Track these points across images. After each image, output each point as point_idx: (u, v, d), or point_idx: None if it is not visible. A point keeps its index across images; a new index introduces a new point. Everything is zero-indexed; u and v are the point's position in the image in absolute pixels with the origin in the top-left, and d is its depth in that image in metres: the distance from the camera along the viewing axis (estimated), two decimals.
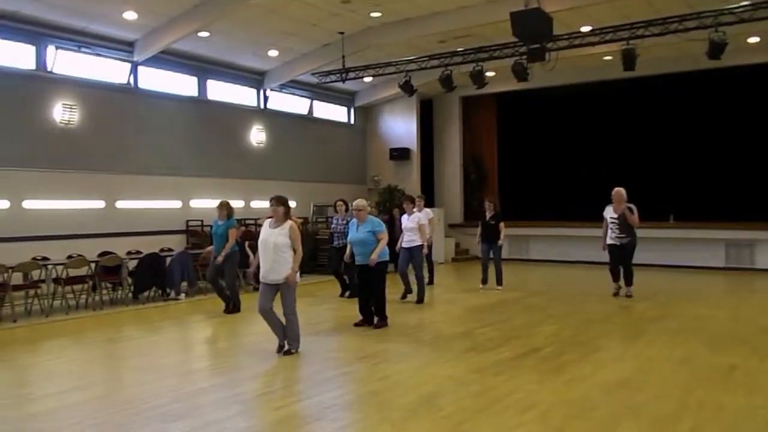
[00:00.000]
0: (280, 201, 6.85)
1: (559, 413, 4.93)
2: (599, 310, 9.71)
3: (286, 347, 6.91)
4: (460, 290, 12.21)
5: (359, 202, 8.51)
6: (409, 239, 10.67)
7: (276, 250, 6.71)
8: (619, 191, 10.61)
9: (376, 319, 8.43)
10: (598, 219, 16.02)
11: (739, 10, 10.58)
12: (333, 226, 11.37)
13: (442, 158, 19.63)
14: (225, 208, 9.98)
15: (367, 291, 8.47)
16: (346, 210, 11.06)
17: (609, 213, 10.69)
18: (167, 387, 5.81)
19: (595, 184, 17.09)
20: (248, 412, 5.14)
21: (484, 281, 11.95)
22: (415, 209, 11.09)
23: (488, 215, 11.84)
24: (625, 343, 7.45)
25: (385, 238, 8.38)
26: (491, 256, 11.83)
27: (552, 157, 17.94)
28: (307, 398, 5.54)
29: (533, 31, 10.61)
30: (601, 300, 10.66)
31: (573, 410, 5.00)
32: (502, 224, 11.74)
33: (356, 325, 8.46)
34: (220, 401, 5.42)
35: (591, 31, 12.01)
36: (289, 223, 6.82)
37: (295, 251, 6.79)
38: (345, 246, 11.01)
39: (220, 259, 9.64)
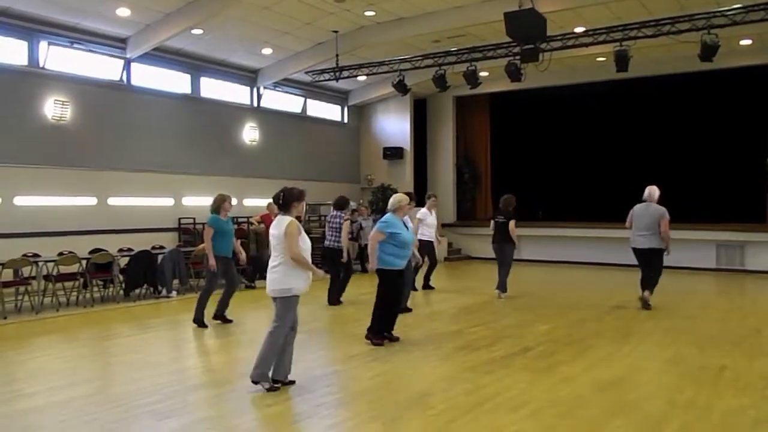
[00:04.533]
0: (274, 200, 5.70)
1: (550, 412, 4.95)
2: (591, 310, 9.74)
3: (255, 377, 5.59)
4: (452, 290, 12.22)
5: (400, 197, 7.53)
6: (429, 235, 11.10)
7: (272, 254, 5.66)
8: (652, 189, 9.59)
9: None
10: (590, 219, 16.38)
11: (731, 12, 10.66)
12: (355, 224, 11.44)
13: (435, 158, 19.66)
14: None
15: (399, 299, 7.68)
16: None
17: None
18: (158, 384, 5.80)
19: (588, 184, 17.23)
20: (239, 410, 5.13)
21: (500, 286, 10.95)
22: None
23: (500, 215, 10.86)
24: (616, 342, 7.47)
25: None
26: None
27: (545, 158, 17.99)
28: (298, 396, 5.53)
29: (527, 32, 10.63)
30: (594, 300, 10.71)
31: (563, 409, 5.02)
32: (511, 223, 10.44)
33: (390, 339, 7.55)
34: (212, 398, 5.42)
35: (584, 32, 12.07)
36: (285, 219, 5.55)
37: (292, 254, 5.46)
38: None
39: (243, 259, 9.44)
